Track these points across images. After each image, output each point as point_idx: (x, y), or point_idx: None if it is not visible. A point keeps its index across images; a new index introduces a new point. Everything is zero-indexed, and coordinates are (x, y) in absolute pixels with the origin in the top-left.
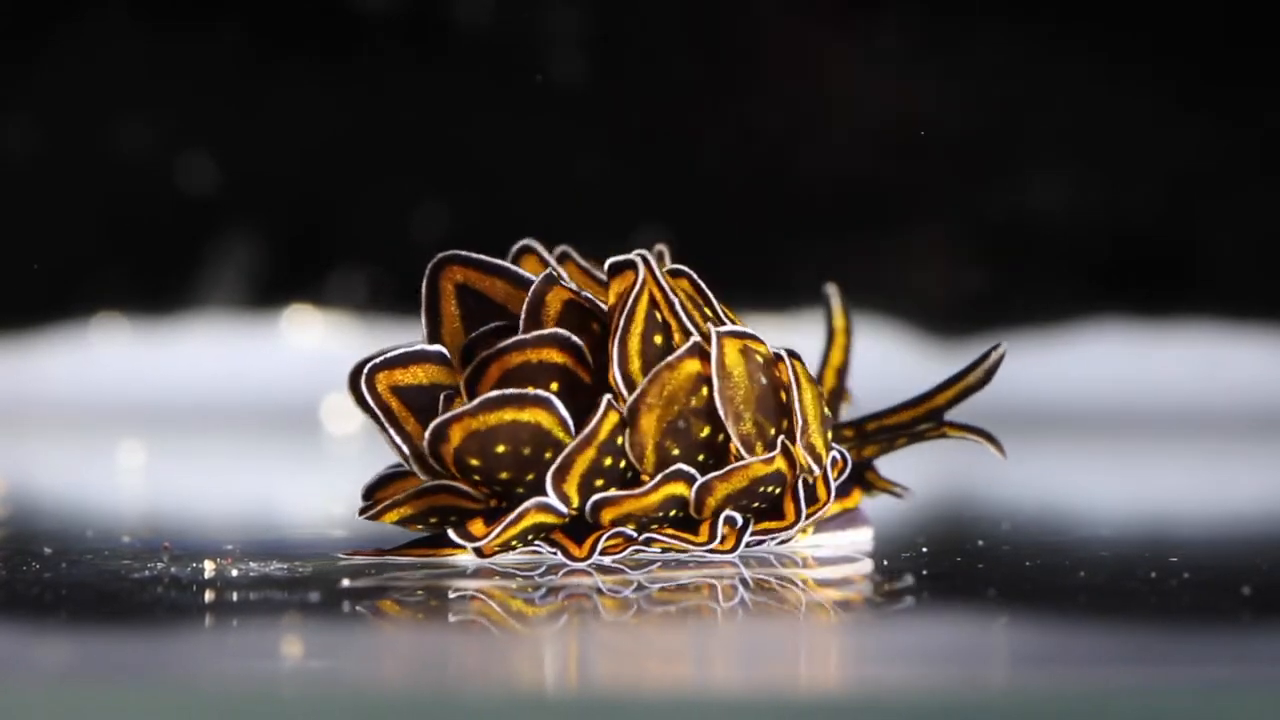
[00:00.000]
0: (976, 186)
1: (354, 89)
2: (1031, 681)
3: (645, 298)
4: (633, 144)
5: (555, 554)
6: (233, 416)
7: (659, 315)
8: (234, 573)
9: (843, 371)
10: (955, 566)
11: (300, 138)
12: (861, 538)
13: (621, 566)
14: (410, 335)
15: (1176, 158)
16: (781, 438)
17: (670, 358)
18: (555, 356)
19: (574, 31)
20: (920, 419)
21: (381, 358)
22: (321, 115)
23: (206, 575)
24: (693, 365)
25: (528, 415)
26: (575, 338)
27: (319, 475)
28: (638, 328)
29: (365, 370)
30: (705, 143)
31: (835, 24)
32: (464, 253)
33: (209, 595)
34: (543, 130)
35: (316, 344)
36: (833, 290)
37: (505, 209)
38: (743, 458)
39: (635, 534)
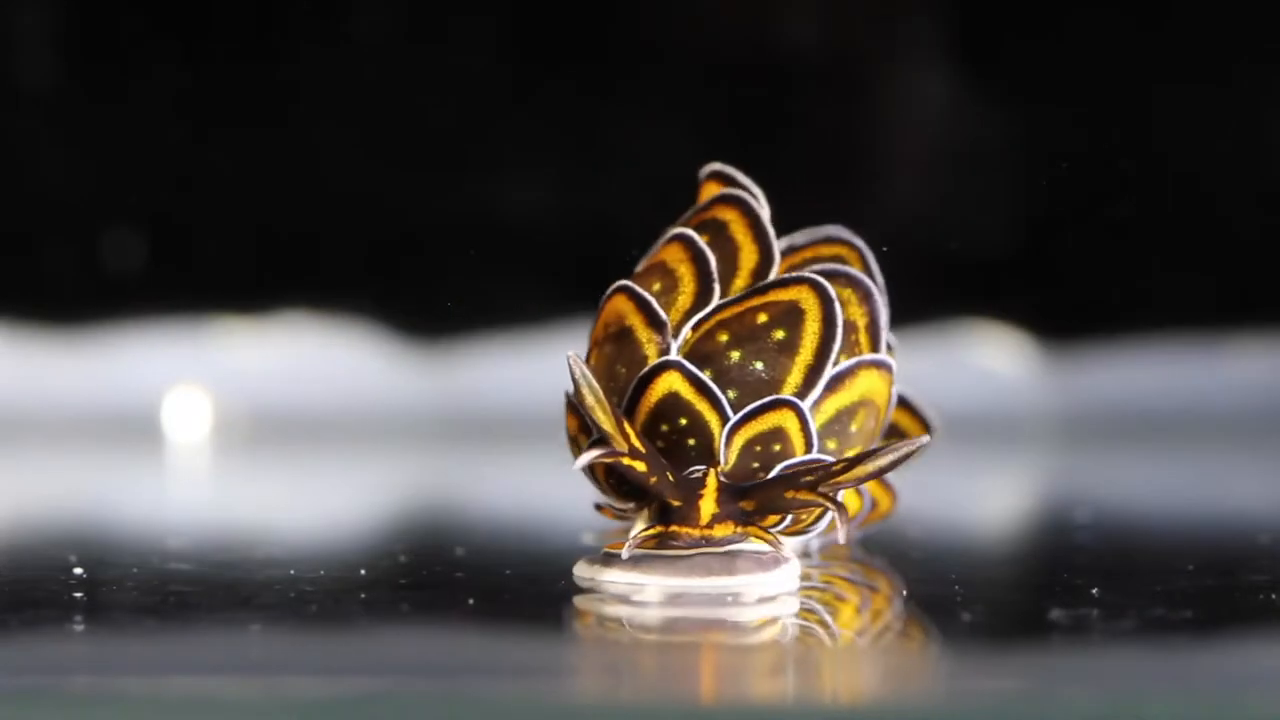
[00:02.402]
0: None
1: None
2: (1033, 683)
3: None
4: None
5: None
6: (236, 419)
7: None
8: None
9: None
10: (956, 564)
11: (301, 136)
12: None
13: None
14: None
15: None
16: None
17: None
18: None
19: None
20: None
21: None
22: (323, 114)
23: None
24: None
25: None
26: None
27: (322, 479)
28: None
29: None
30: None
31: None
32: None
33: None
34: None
35: (319, 347)
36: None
37: (508, 208)
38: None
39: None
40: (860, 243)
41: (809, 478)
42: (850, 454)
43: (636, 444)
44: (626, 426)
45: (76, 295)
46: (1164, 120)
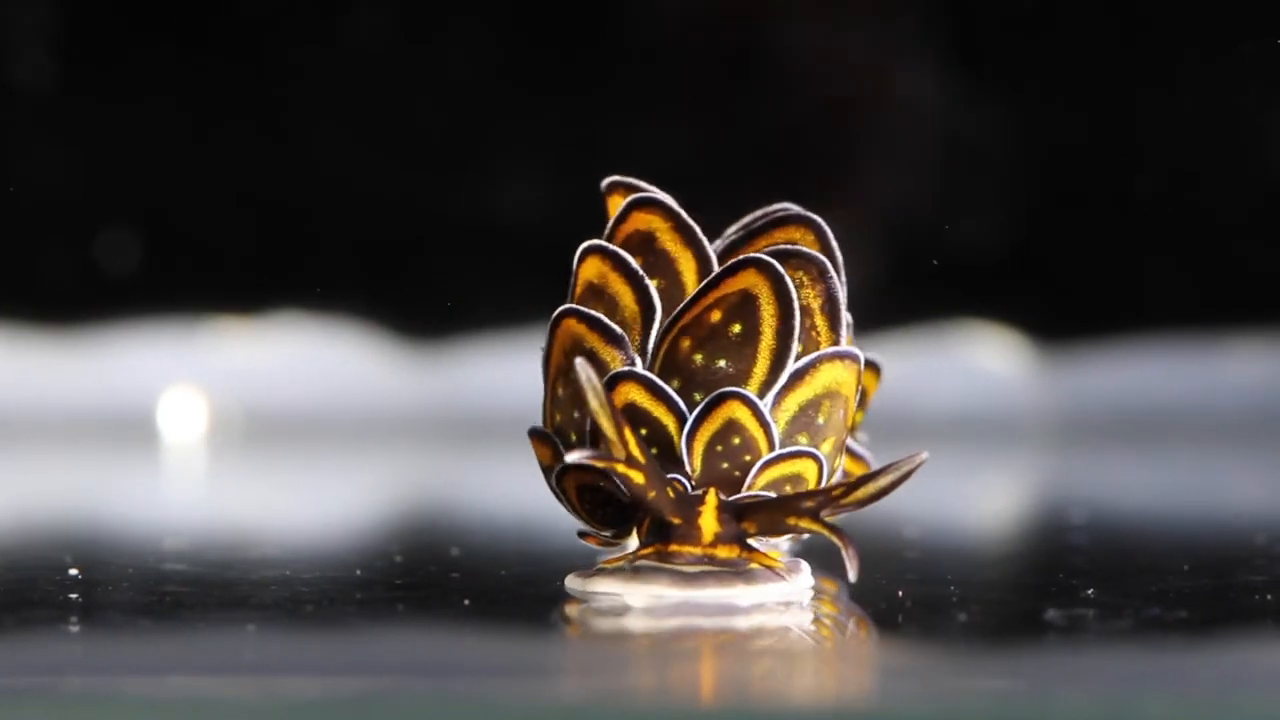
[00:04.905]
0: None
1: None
2: (1028, 683)
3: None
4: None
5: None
6: (231, 419)
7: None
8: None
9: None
10: (951, 564)
11: (296, 137)
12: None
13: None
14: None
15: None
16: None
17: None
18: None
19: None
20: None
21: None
22: (319, 115)
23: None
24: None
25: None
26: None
27: (318, 479)
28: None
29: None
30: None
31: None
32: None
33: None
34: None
35: (315, 347)
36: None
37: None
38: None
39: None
40: (817, 219)
41: (810, 503)
42: (825, 448)
43: (636, 454)
44: (628, 434)
45: (72, 295)
46: (1161, 122)
